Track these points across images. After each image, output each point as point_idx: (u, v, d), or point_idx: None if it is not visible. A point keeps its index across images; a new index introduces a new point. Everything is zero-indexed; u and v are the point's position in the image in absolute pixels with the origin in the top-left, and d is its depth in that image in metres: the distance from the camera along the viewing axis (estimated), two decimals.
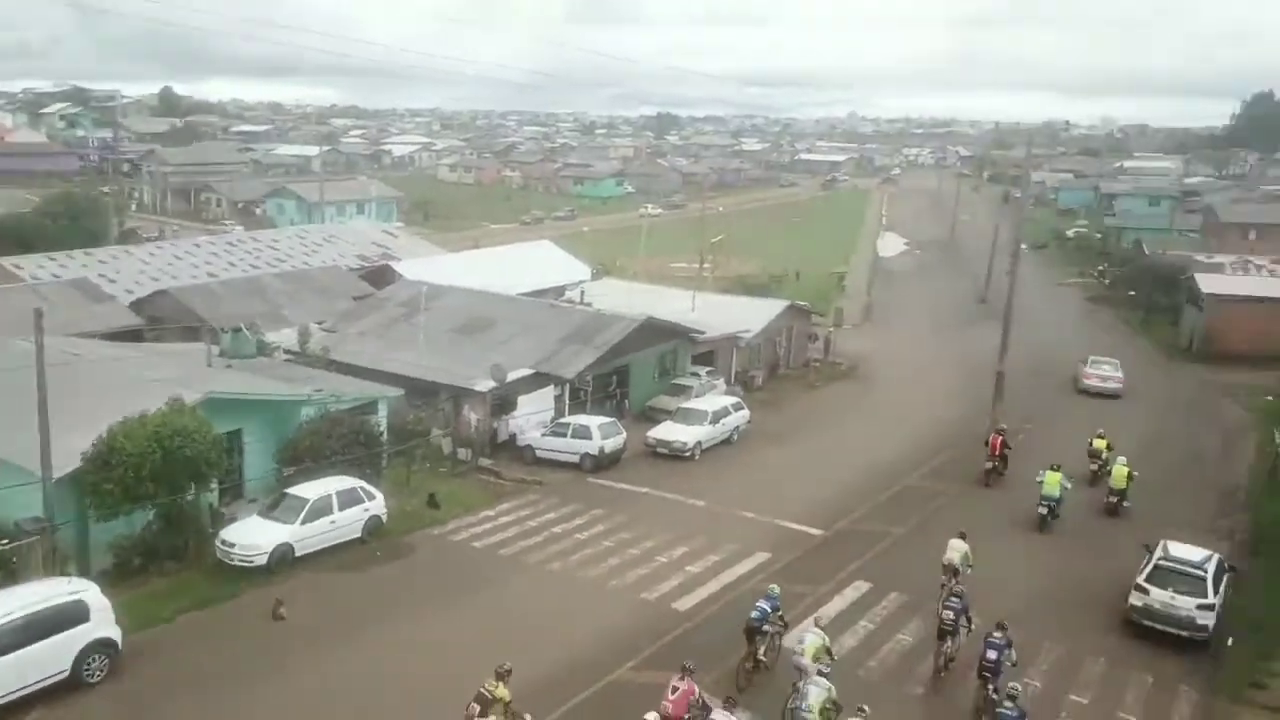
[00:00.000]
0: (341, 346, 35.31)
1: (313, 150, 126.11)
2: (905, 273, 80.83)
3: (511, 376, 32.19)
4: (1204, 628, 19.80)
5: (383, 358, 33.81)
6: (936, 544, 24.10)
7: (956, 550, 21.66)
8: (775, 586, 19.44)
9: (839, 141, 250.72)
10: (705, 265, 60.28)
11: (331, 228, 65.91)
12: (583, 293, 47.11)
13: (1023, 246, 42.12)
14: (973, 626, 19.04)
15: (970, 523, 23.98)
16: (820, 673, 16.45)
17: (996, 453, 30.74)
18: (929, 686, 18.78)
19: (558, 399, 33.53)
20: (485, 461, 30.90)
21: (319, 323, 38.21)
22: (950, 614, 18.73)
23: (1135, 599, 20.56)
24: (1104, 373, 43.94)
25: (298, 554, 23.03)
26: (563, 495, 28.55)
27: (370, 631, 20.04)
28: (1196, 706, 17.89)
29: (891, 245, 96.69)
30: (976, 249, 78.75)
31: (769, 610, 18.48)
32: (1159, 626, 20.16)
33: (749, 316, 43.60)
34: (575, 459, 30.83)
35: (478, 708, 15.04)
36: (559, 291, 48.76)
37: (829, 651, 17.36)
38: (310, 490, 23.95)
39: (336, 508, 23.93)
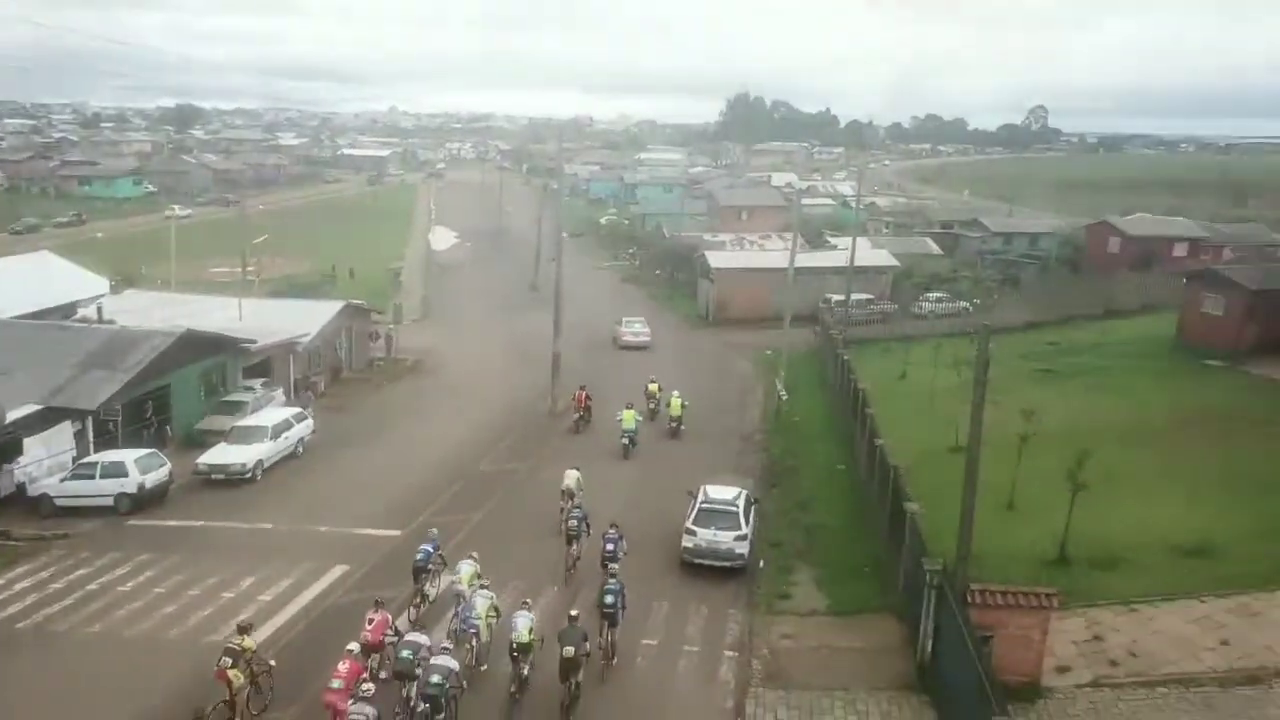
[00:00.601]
0: None
1: None
2: (459, 265, 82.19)
3: (12, 415, 27.21)
4: (741, 556, 22.84)
5: None
6: (510, 525, 25.52)
7: (570, 477, 26.29)
8: (435, 530, 22.59)
9: (381, 136, 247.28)
10: (249, 269, 55.98)
11: None
12: (100, 309, 41.18)
13: (564, 235, 45.40)
14: (590, 531, 23.30)
15: (574, 458, 28.75)
16: (483, 587, 19.33)
17: (582, 404, 36.11)
18: (564, 580, 22.85)
19: (79, 435, 29.08)
20: None
21: None
22: (574, 523, 23.28)
23: (686, 541, 23.12)
24: (636, 329, 52.22)
25: None
26: (96, 546, 24.85)
27: None
28: (742, 625, 20.60)
29: (443, 239, 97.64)
30: (524, 239, 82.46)
31: (431, 551, 21.32)
32: (708, 562, 22.87)
33: (304, 320, 41.32)
34: (109, 502, 26.97)
35: (229, 660, 16.49)
36: (68, 310, 42.21)
37: (479, 576, 20.13)
38: None
39: None
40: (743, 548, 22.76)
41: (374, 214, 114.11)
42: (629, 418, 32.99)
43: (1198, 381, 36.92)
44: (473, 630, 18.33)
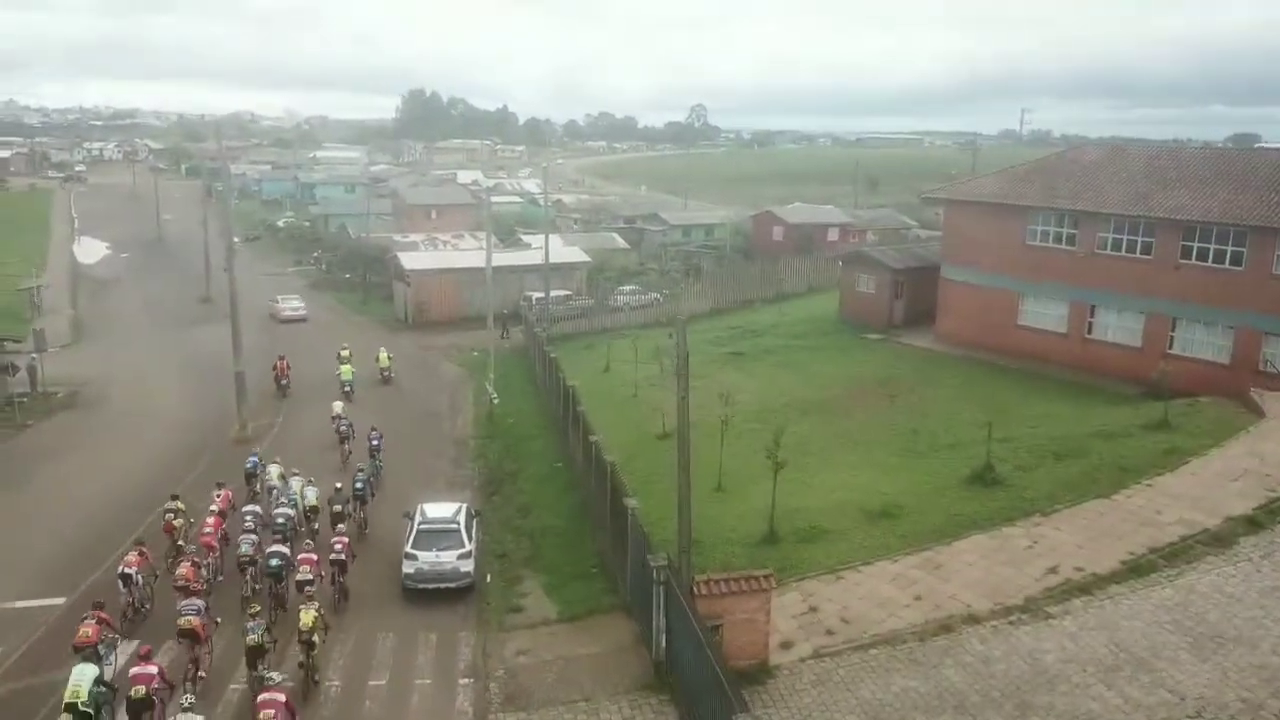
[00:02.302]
0: None
1: None
2: (115, 279, 73.26)
3: None
4: (467, 574, 21.89)
5: None
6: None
7: (337, 406, 34.68)
8: (256, 447, 30.56)
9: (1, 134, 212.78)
10: None
11: None
12: None
13: (236, 240, 42.04)
14: (355, 434, 32.00)
15: (305, 410, 37.38)
16: (294, 474, 26.83)
17: (284, 373, 41.17)
18: (338, 467, 30.34)
19: None
20: None
21: None
22: (344, 427, 32.34)
23: (407, 566, 21.81)
24: (293, 305, 58.45)
25: None
26: None
27: None
28: (475, 647, 19.73)
29: (92, 250, 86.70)
30: (189, 246, 75.07)
31: (256, 460, 28.24)
32: (432, 585, 21.72)
33: None
34: None
35: (172, 515, 23.83)
36: None
37: (283, 477, 26.94)
38: None
39: None
40: (467, 566, 21.86)
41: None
42: (346, 371, 40.08)
43: (861, 354, 41.13)
44: (292, 500, 24.86)
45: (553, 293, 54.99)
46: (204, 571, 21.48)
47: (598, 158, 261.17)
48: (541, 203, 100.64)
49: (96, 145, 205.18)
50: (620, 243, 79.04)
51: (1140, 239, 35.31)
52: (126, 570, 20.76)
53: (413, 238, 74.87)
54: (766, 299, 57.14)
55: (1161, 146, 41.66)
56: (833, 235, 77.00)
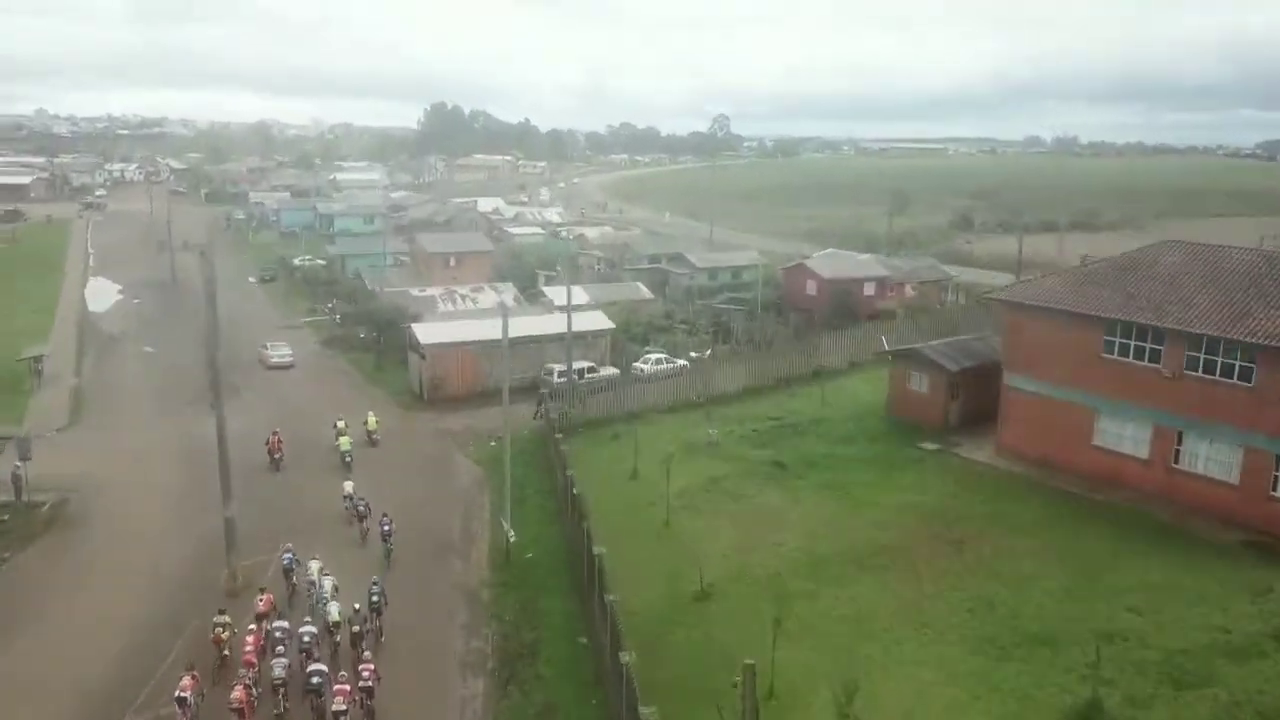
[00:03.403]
0: None
1: None
2: (124, 332, 70.49)
3: None
4: None
5: None
6: None
7: (348, 486, 36.80)
8: (290, 544, 31.28)
9: (23, 153, 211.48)
10: None
11: None
12: None
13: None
14: (371, 511, 34.41)
15: (305, 481, 40.02)
16: (327, 575, 28.59)
17: (277, 448, 42.53)
18: (358, 543, 34.05)
19: None
20: None
21: None
22: (362, 506, 34.81)
23: None
24: (281, 352, 61.52)
25: None
26: None
27: None
28: None
29: (104, 294, 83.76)
30: (202, 291, 72.09)
31: (292, 556, 30.42)
32: None
33: None
34: None
35: (220, 629, 26.13)
36: None
37: (322, 571, 28.90)
38: None
39: None
40: None
41: (9, 271, 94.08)
42: (345, 442, 42.11)
43: (916, 473, 37.11)
44: (324, 603, 27.35)
45: (575, 364, 51.55)
46: (254, 690, 23.57)
47: (620, 172, 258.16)
48: (561, 234, 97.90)
49: (118, 166, 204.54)
50: (645, 293, 75.42)
51: (1238, 363, 31.41)
52: (181, 694, 22.67)
53: (430, 291, 71.68)
54: (804, 377, 53.31)
55: (1257, 250, 37.49)
56: (869, 289, 73.08)
